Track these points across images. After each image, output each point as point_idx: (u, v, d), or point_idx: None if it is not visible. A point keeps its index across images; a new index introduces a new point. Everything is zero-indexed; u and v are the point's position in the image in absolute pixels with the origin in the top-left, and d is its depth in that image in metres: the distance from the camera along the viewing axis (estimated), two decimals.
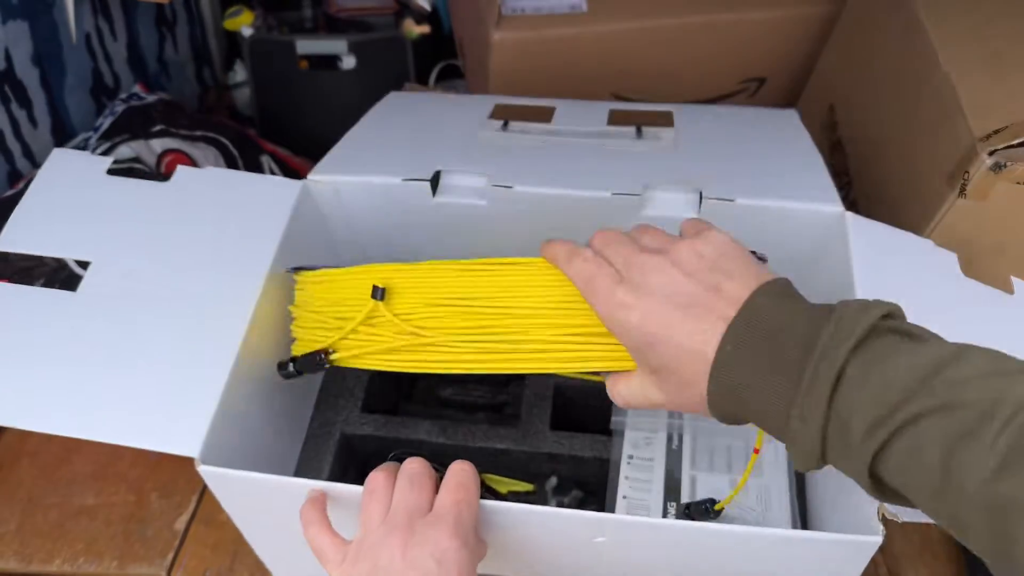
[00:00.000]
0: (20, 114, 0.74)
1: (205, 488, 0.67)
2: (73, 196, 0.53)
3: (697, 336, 0.35)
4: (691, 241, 0.38)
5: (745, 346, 0.34)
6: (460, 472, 0.42)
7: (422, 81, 1.04)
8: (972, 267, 0.60)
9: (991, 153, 0.56)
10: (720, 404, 0.35)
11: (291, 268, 0.50)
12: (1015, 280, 0.55)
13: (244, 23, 0.97)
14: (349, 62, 0.98)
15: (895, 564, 0.64)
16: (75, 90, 0.81)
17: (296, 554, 0.46)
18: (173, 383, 0.44)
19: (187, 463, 0.68)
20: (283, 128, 0.99)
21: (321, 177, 0.55)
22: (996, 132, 0.56)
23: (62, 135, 0.80)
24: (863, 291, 0.49)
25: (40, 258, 0.65)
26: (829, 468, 0.34)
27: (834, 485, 0.49)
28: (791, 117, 0.68)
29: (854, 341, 0.32)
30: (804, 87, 0.88)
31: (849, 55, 0.79)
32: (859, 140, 0.74)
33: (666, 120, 0.63)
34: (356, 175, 0.56)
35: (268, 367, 0.49)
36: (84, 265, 0.61)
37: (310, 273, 0.49)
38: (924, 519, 0.34)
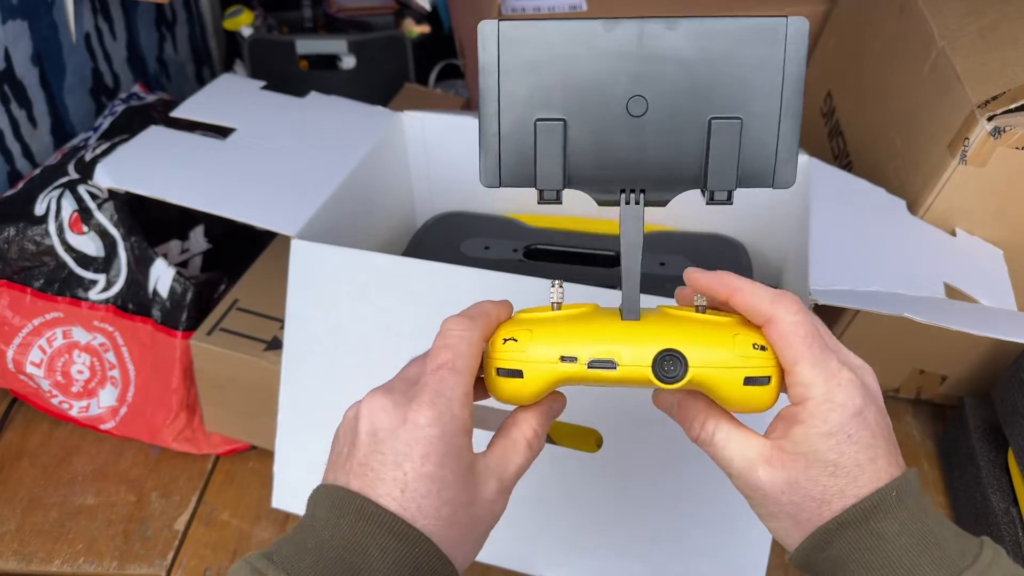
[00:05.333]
0: (20, 114, 0.74)
1: (205, 488, 0.67)
2: (230, 97, 0.71)
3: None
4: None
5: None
6: (447, 333, 0.35)
7: (422, 81, 1.04)
8: (973, 233, 0.62)
9: (990, 118, 0.56)
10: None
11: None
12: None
13: (244, 23, 0.97)
14: (349, 62, 0.98)
15: None
16: (75, 90, 0.81)
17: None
18: (285, 194, 0.59)
19: (186, 463, 0.68)
20: None
21: (414, 112, 0.71)
22: (994, 98, 0.57)
23: (62, 135, 0.80)
24: (817, 225, 0.57)
25: (40, 257, 0.65)
26: None
27: None
28: None
29: None
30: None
31: (845, 41, 0.79)
32: (858, 122, 0.75)
33: None
34: (441, 114, 0.71)
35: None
36: (84, 265, 0.63)
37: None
38: None
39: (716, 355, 0.32)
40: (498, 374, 0.34)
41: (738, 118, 0.33)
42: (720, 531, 0.51)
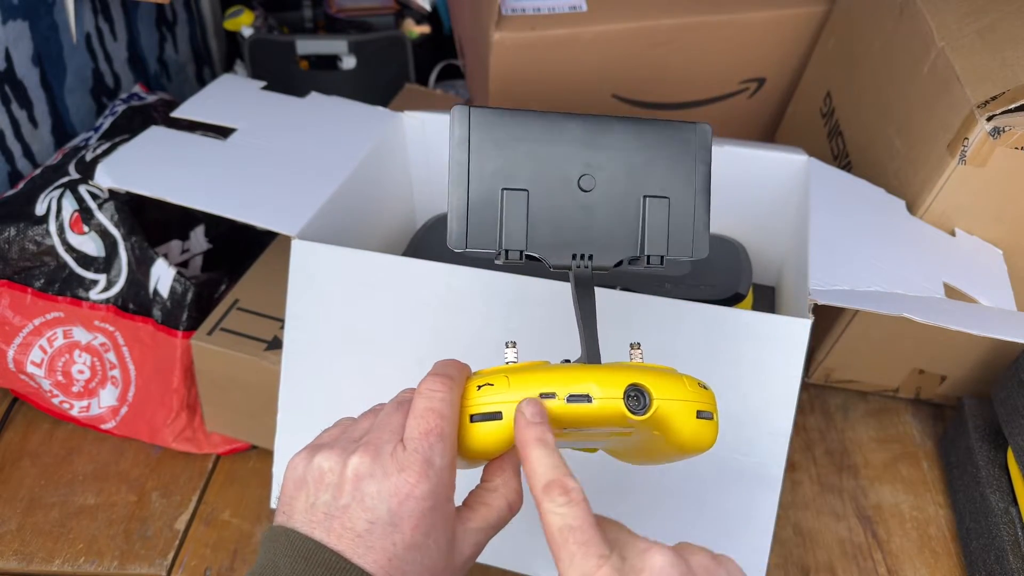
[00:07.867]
0: (20, 114, 0.74)
1: (205, 487, 0.67)
2: (231, 97, 0.71)
3: None
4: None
5: None
6: (430, 395, 0.35)
7: (422, 81, 1.04)
8: (973, 233, 0.62)
9: (990, 118, 0.56)
10: None
11: None
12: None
13: (244, 23, 0.97)
14: (349, 62, 0.98)
15: (895, 562, 0.64)
16: (75, 90, 0.81)
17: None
18: (286, 194, 0.59)
19: (187, 462, 0.69)
20: None
21: (414, 112, 0.71)
22: (994, 98, 0.57)
23: (62, 135, 0.80)
24: (817, 225, 0.57)
25: (40, 257, 0.65)
26: None
27: None
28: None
29: None
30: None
31: (844, 41, 0.79)
32: (857, 122, 0.75)
33: None
34: (441, 114, 0.71)
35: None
36: (84, 265, 0.63)
37: None
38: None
39: (674, 390, 0.35)
40: (472, 420, 0.35)
41: (666, 197, 0.39)
42: (719, 530, 0.51)
